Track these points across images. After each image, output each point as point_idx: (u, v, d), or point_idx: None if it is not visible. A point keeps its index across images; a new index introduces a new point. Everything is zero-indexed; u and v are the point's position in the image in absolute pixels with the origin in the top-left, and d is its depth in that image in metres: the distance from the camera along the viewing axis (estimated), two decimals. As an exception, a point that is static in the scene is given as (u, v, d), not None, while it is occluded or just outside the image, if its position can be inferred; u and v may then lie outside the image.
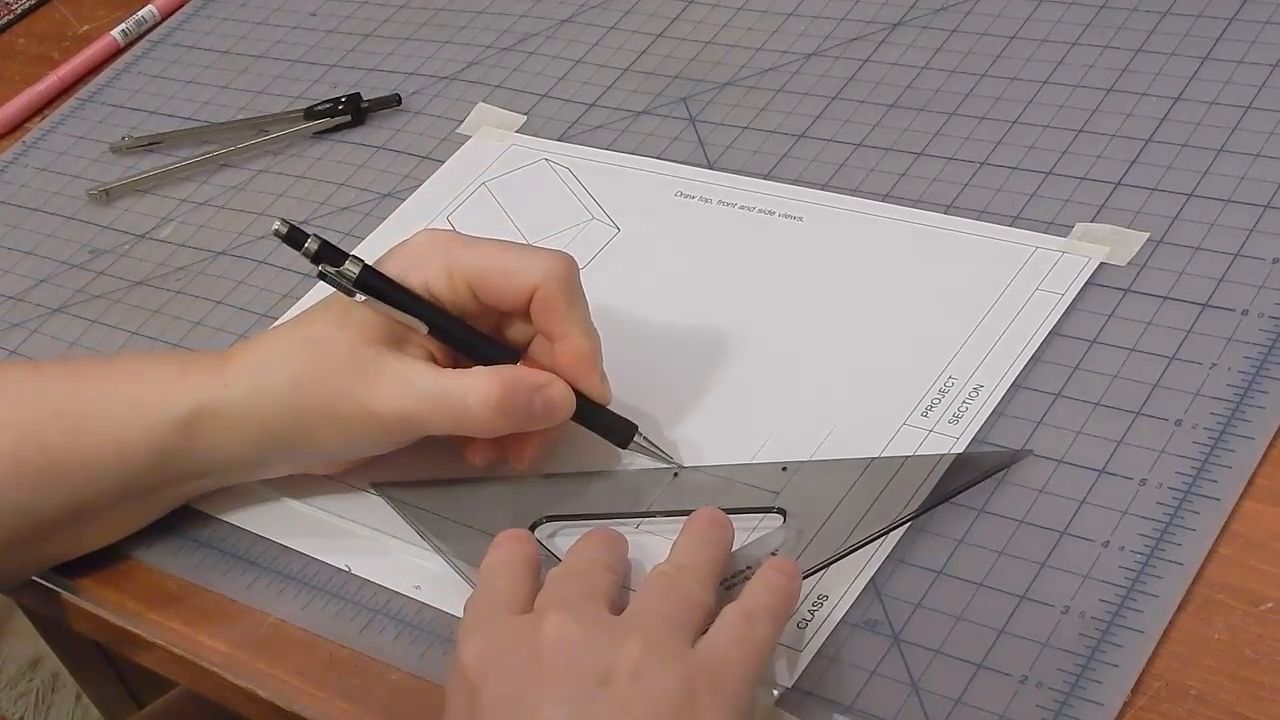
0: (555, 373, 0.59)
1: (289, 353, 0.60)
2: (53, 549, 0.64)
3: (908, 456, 0.58)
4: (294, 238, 0.58)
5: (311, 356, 0.59)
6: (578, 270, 0.60)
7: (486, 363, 0.59)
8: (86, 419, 0.60)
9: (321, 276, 0.58)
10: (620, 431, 0.61)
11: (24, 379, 0.63)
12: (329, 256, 0.58)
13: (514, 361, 0.59)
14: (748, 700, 0.50)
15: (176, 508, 0.64)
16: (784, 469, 0.59)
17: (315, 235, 0.58)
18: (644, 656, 0.48)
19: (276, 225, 0.58)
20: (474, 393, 0.57)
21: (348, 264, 0.58)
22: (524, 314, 0.60)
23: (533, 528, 0.59)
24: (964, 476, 0.57)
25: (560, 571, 0.54)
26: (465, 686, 0.50)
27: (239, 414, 0.59)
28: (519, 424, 0.59)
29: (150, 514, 0.64)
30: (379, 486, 0.63)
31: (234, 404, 0.59)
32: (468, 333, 0.60)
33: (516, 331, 0.61)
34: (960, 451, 0.57)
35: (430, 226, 0.74)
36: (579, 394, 0.59)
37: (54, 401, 0.61)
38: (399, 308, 0.58)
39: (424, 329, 0.59)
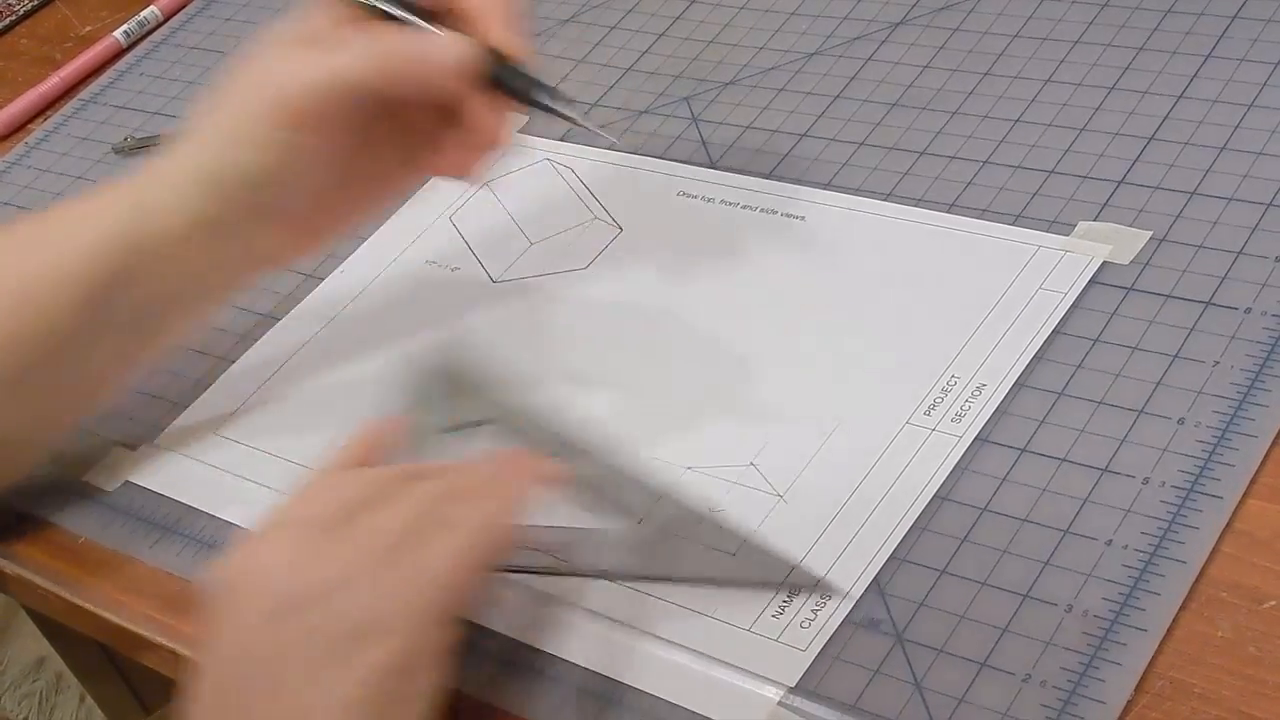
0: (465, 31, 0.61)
1: (221, 96, 0.62)
2: (72, 379, 0.64)
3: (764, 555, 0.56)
4: None
5: (242, 82, 0.62)
6: None
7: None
8: (47, 233, 0.64)
9: None
10: (521, 87, 0.61)
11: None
12: None
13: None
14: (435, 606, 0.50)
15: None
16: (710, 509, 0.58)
17: None
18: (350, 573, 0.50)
19: None
20: (357, 44, 0.60)
21: None
22: None
23: None
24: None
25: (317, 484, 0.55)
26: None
27: (184, 164, 0.62)
28: (400, 76, 0.60)
29: (142, 345, 0.65)
30: None
31: (178, 158, 0.62)
32: None
33: None
34: (796, 565, 0.55)
35: (432, 227, 0.75)
36: (494, 55, 0.60)
37: (23, 234, 0.65)
38: None
39: None
